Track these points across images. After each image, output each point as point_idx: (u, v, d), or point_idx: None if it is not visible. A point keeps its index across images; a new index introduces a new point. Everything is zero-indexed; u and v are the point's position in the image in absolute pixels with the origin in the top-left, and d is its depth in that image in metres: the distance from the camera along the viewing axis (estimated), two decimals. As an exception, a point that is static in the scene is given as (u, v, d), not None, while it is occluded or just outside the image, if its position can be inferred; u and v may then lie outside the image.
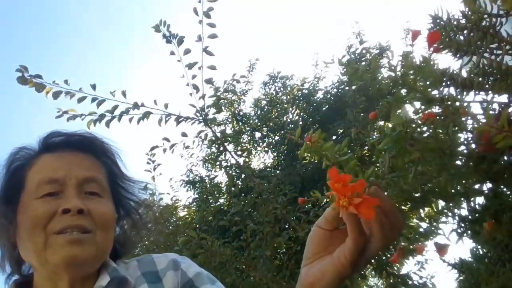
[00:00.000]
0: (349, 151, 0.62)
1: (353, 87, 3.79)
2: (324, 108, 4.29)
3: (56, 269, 0.69)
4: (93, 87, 2.14)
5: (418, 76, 0.97)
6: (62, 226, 0.68)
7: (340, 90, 4.12)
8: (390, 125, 0.72)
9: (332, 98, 4.22)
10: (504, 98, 1.10)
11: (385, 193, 0.54)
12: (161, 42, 2.37)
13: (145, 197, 0.91)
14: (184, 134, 2.52)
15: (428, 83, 0.99)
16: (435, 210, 0.94)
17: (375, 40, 4.06)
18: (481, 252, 1.12)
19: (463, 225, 0.93)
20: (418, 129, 0.84)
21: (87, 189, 0.73)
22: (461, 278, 1.25)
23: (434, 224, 1.06)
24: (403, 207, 0.73)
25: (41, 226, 0.68)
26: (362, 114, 3.21)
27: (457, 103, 0.97)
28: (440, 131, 0.93)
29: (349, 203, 0.46)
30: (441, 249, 1.20)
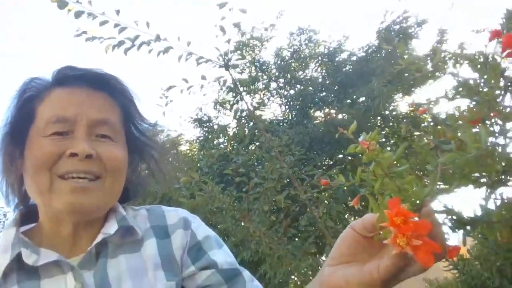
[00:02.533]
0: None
1: (382, 53, 3.63)
2: (347, 70, 4.14)
3: (59, 214, 0.67)
4: (117, 12, 2.02)
5: (482, 78, 0.89)
6: (68, 170, 0.64)
7: (368, 55, 3.93)
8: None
9: (358, 61, 4.05)
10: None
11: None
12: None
13: (162, 141, 0.86)
14: (203, 77, 2.43)
15: (487, 87, 0.92)
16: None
17: (414, 7, 3.79)
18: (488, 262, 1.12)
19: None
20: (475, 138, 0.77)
21: (98, 132, 0.69)
22: (462, 278, 1.26)
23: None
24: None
25: (46, 167, 0.64)
26: (386, 86, 3.10)
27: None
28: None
29: (407, 243, 0.41)
30: (452, 251, 1.20)
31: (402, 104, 4.17)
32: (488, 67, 0.83)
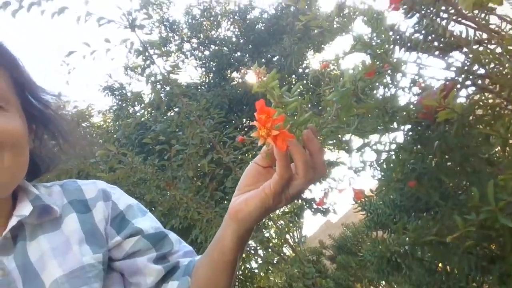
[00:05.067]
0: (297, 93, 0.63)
1: (292, 9, 3.68)
2: (259, 28, 4.14)
3: None
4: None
5: (374, 33, 0.96)
6: None
7: (278, 12, 3.96)
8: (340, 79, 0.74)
9: (269, 19, 4.06)
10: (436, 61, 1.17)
11: (317, 139, 0.58)
12: None
13: (60, 104, 0.80)
14: (107, 40, 2.24)
15: (379, 40, 0.99)
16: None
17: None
18: (390, 199, 1.27)
19: (385, 177, 1.03)
20: (367, 88, 0.86)
21: None
22: (369, 217, 1.43)
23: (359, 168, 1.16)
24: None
25: None
26: (297, 43, 3.18)
27: (402, 64, 1.00)
28: (386, 90, 0.97)
29: (268, 134, 0.50)
30: (358, 193, 1.34)
31: (314, 61, 4.36)
32: (378, 22, 0.90)
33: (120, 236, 0.71)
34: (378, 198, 1.33)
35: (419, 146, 0.86)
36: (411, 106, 0.84)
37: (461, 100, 1.07)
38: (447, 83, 0.86)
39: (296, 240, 3.93)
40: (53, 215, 0.67)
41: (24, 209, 0.64)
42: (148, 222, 0.74)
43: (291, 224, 3.81)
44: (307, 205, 3.40)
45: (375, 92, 1.03)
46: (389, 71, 0.98)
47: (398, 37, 1.18)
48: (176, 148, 2.38)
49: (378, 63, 0.95)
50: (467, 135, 0.77)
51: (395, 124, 0.93)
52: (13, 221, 0.63)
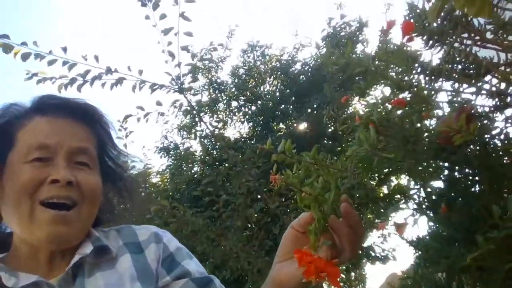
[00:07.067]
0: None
1: (332, 58, 3.79)
2: (301, 80, 4.28)
3: (38, 243, 0.69)
4: (64, 50, 2.04)
5: (390, 63, 0.99)
6: (50, 195, 0.67)
7: (318, 63, 4.10)
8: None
9: (310, 70, 4.21)
10: (470, 89, 1.14)
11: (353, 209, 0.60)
12: (136, 4, 2.27)
13: (131, 167, 0.90)
14: (159, 103, 2.47)
15: (399, 70, 1.01)
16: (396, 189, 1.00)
17: (355, 12, 4.03)
18: (437, 231, 1.20)
19: (419, 208, 0.99)
20: (386, 117, 0.86)
21: (77, 159, 0.72)
22: (418, 254, 1.34)
23: (394, 204, 1.12)
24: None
25: (28, 193, 0.67)
26: (338, 90, 3.24)
27: (425, 92, 1.00)
28: (407, 120, 0.96)
29: (317, 277, 0.53)
30: (399, 228, 1.29)
31: (359, 107, 4.35)
32: (395, 54, 0.92)
33: (170, 277, 0.75)
34: (427, 236, 1.27)
35: (446, 172, 0.83)
36: (432, 132, 0.83)
37: (500, 124, 1.02)
38: (465, 105, 0.84)
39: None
40: (110, 256, 0.74)
41: (86, 248, 0.72)
42: (194, 265, 0.79)
43: (352, 278, 3.59)
44: (364, 254, 3.22)
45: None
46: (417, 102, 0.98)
47: (421, 67, 1.19)
48: (223, 198, 2.45)
49: (399, 93, 0.96)
50: (494, 156, 0.74)
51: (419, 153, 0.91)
52: (75, 258, 0.70)
